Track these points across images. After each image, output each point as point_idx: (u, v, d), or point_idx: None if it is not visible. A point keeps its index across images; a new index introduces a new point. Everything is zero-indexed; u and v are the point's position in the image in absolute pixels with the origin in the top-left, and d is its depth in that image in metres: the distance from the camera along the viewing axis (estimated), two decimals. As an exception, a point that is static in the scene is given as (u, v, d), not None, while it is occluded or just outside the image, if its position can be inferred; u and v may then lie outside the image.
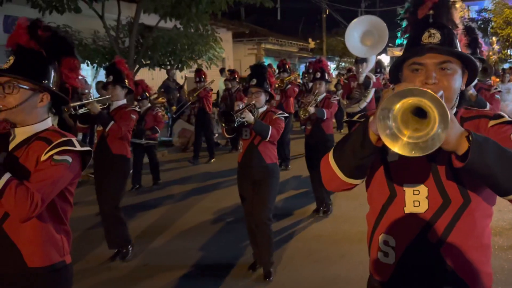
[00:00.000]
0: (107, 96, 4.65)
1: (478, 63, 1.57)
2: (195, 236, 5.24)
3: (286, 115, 4.33)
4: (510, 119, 1.61)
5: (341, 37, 33.04)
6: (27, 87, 1.95)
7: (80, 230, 5.33)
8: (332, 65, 34.24)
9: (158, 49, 10.13)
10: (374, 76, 7.97)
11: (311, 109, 5.59)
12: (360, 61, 7.80)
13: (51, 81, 2.04)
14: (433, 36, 1.59)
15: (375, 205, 1.74)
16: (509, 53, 26.74)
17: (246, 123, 3.96)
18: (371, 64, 8.35)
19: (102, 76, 12.62)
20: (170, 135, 11.79)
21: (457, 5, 1.72)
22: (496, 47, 27.23)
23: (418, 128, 1.27)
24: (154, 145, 7.64)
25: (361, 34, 7.80)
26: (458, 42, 1.65)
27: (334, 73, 29.23)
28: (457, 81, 1.61)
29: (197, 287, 4.14)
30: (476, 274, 1.62)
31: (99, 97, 4.62)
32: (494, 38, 26.50)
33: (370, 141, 1.45)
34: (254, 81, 4.15)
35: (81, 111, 4.40)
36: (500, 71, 12.61)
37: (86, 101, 4.43)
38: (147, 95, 7.10)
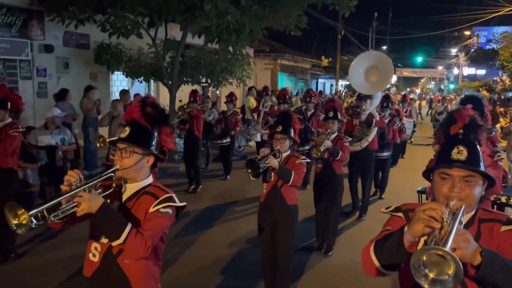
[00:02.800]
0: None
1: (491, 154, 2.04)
2: (200, 272, 5.18)
3: (308, 160, 4.55)
4: None
5: (353, 56, 34.23)
6: (139, 153, 2.43)
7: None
8: (344, 82, 35.41)
9: (200, 69, 11.27)
10: (377, 114, 7.66)
11: (327, 143, 5.61)
12: (363, 97, 7.57)
13: (155, 146, 2.50)
14: (461, 153, 1.88)
15: (405, 283, 1.99)
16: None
17: (270, 168, 4.20)
18: (377, 100, 8.02)
19: (137, 87, 13.84)
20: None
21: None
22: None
23: (440, 268, 1.52)
24: None
25: (365, 70, 7.75)
26: (481, 156, 1.93)
27: (344, 91, 30.39)
28: (478, 190, 1.89)
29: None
30: None
31: None
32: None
33: (405, 247, 1.71)
34: (280, 128, 4.34)
35: None
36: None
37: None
38: None
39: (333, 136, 5.78)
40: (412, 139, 15.88)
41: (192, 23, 10.19)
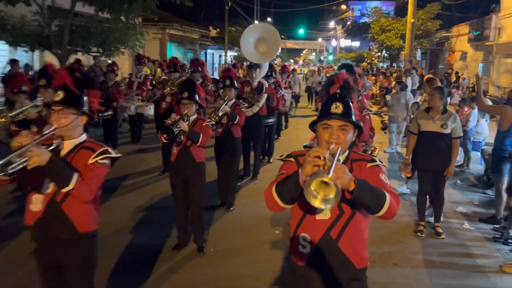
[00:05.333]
0: (39, 99, 4.85)
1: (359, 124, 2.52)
2: (114, 234, 5.39)
3: (213, 122, 5.17)
4: (379, 163, 2.46)
5: (240, 27, 35.00)
6: (73, 113, 2.80)
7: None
8: (232, 53, 36.15)
9: (91, 38, 11.08)
10: (266, 82, 8.20)
11: (225, 108, 6.10)
12: (253, 66, 8.09)
13: (85, 107, 2.88)
14: (338, 108, 2.37)
15: (297, 214, 2.50)
16: (384, 54, 30.86)
17: (181, 131, 4.65)
18: (265, 69, 8.59)
19: (19, 55, 13.08)
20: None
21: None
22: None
23: (325, 191, 2.01)
24: None
25: (255, 41, 8.34)
26: (353, 110, 2.45)
27: (230, 61, 31.14)
28: (350, 136, 2.42)
29: (140, 276, 4.47)
30: (358, 256, 2.48)
31: (32, 103, 4.79)
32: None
33: (300, 185, 2.15)
34: (186, 94, 4.77)
35: (21, 116, 4.74)
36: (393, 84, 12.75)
37: (23, 109, 4.74)
38: (26, 88, 5.99)
39: (230, 102, 6.29)
40: (294, 111, 16.25)
41: (81, -9, 10.00)
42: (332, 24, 57.09)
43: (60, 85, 2.82)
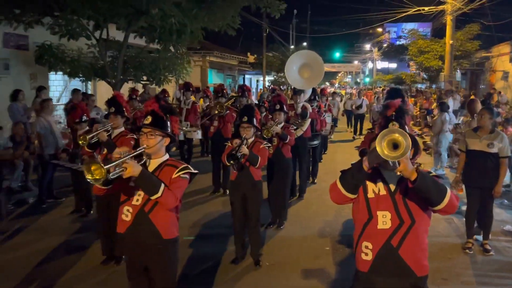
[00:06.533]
0: (109, 124, 5.34)
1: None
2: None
3: (270, 144, 5.61)
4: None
5: (277, 52, 35.69)
6: (160, 134, 3.22)
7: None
8: (269, 78, 36.78)
9: (143, 68, 11.79)
10: (310, 107, 8.40)
11: (276, 128, 6.40)
12: (297, 92, 8.36)
13: (169, 130, 3.29)
14: (395, 125, 2.74)
15: (359, 224, 2.76)
16: (423, 76, 30.73)
17: (243, 155, 5.02)
18: (308, 94, 8.84)
19: (73, 85, 13.98)
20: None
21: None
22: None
23: (396, 151, 2.40)
24: None
25: (299, 67, 8.62)
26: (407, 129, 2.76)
27: (268, 86, 31.72)
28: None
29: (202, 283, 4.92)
30: (419, 264, 2.69)
31: (104, 128, 5.30)
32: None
33: (363, 169, 2.55)
34: (245, 118, 5.20)
35: (93, 140, 5.25)
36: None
37: (97, 132, 5.21)
38: (86, 118, 6.73)
39: (280, 125, 6.62)
40: (331, 136, 15.87)
41: (133, 25, 10.71)
42: (368, 46, 57.22)
43: (148, 111, 3.27)
